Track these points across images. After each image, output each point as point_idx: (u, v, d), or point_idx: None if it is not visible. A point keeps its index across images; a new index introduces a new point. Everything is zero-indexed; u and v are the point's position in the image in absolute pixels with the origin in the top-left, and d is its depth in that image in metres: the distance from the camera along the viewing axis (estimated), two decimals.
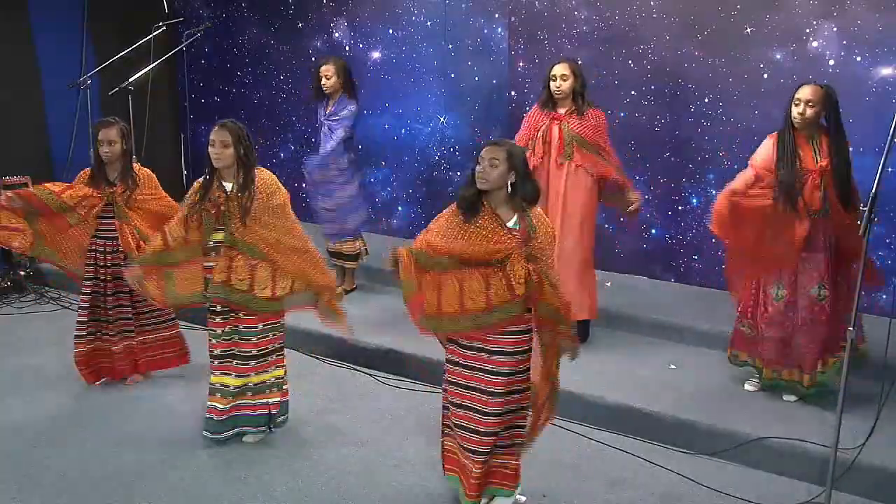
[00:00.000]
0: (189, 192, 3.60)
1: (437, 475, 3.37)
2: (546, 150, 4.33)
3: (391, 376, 4.47)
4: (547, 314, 2.88)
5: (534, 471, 3.24)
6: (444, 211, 3.02)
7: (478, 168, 2.89)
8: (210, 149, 3.46)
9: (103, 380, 4.31)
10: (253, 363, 3.60)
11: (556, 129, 4.33)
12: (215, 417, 3.62)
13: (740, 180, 3.86)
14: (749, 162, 3.88)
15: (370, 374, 4.52)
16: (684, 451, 3.67)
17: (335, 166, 5.15)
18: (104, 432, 3.81)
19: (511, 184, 2.87)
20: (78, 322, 4.22)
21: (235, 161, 3.47)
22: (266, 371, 3.65)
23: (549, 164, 4.34)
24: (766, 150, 3.80)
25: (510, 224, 2.89)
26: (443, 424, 3.16)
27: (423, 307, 2.91)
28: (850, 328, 2.96)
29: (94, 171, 4.07)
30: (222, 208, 3.48)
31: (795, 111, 3.62)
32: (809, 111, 3.59)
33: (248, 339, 3.57)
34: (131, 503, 3.24)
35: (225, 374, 3.61)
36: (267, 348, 3.63)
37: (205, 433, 3.65)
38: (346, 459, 3.61)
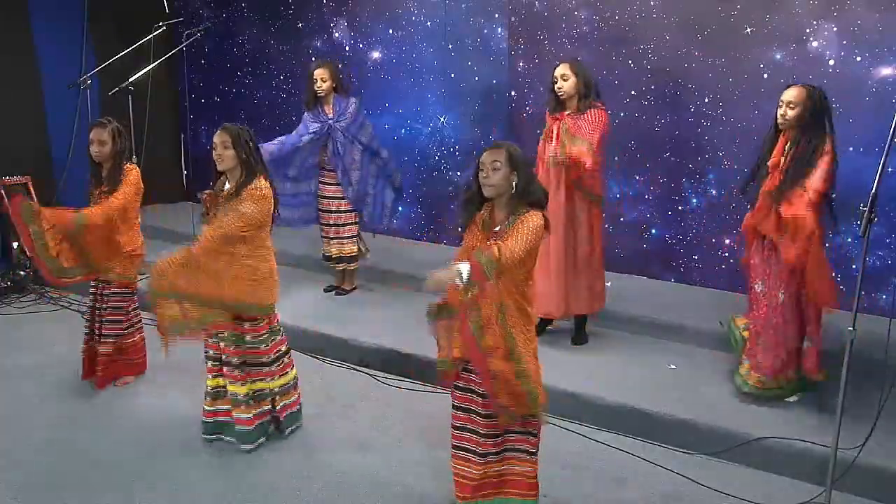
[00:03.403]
0: None
1: (437, 475, 3.37)
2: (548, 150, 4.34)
3: (391, 376, 4.47)
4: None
5: None
6: None
7: (481, 175, 2.81)
8: (213, 152, 3.47)
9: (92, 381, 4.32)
10: (237, 372, 3.58)
11: (555, 129, 4.34)
12: (202, 418, 3.67)
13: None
14: None
15: (370, 374, 4.52)
16: (684, 451, 3.67)
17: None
18: (104, 432, 3.82)
19: (515, 184, 2.80)
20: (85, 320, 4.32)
21: (237, 163, 3.46)
22: (253, 381, 3.61)
23: (551, 172, 4.31)
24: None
25: (498, 228, 2.83)
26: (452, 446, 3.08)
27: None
28: (851, 328, 2.96)
29: (91, 172, 4.12)
30: (209, 206, 3.52)
31: (779, 112, 3.69)
32: (790, 112, 3.64)
33: (230, 346, 3.57)
34: (131, 503, 3.25)
35: (215, 376, 3.62)
36: (251, 358, 3.60)
37: (233, 440, 3.67)
38: (345, 460, 3.61)
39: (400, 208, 6.59)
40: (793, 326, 3.74)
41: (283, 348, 3.72)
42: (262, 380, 3.62)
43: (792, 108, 3.64)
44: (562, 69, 4.30)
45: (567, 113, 4.32)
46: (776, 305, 3.73)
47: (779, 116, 3.69)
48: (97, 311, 4.23)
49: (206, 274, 3.39)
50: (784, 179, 3.63)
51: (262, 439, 3.66)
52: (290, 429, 3.77)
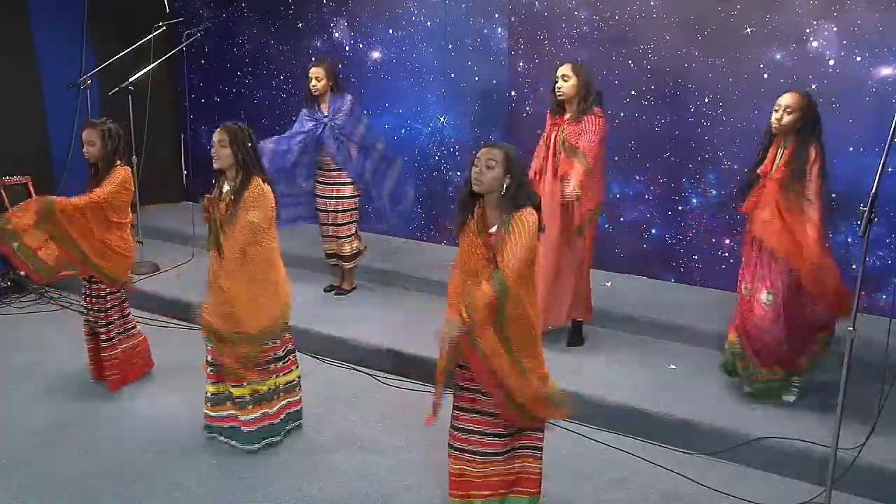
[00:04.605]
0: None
1: (437, 475, 3.37)
2: (547, 155, 4.33)
3: (391, 376, 4.47)
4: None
5: None
6: None
7: (474, 169, 2.84)
8: (211, 149, 3.48)
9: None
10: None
11: (553, 137, 4.33)
12: (205, 423, 3.62)
13: None
14: None
15: (370, 374, 4.52)
16: (684, 451, 3.68)
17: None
18: (104, 432, 3.82)
19: (506, 186, 2.82)
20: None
21: (233, 162, 3.46)
22: (266, 380, 3.62)
23: (548, 169, 4.32)
24: None
25: (493, 229, 2.85)
26: (448, 445, 3.08)
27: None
28: (851, 328, 2.96)
29: (90, 171, 4.11)
30: (212, 209, 3.49)
31: (774, 116, 3.65)
32: (787, 118, 3.61)
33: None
34: (131, 503, 3.24)
35: (215, 382, 3.60)
36: (269, 356, 3.61)
37: (235, 444, 3.63)
38: (346, 460, 3.60)
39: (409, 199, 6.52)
40: (781, 326, 3.71)
41: (290, 346, 3.73)
42: (264, 380, 3.61)
43: (789, 113, 3.59)
44: (564, 69, 4.28)
45: (566, 118, 4.31)
46: (763, 306, 3.72)
47: (774, 120, 3.64)
48: (92, 313, 4.20)
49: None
50: (784, 189, 3.59)
51: (265, 441, 3.65)
52: (287, 427, 3.76)
